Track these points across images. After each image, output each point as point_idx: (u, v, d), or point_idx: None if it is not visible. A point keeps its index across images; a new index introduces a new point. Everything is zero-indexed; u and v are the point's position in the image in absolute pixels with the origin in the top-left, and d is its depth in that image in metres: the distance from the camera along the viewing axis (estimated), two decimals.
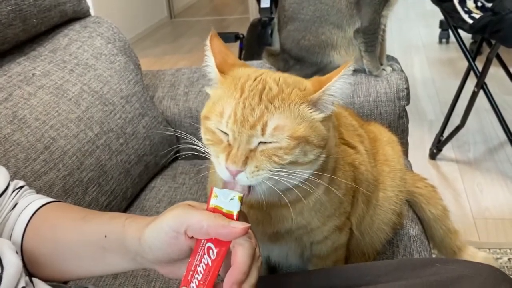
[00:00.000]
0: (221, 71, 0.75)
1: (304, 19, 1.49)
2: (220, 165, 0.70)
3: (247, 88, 0.71)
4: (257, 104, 0.68)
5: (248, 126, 0.68)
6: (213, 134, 0.72)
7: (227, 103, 0.70)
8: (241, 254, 0.61)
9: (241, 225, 0.61)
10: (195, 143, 0.75)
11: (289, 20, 1.53)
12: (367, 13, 1.43)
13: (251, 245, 0.62)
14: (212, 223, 0.61)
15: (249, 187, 0.70)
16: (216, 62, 0.76)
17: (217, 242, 0.63)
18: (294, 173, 0.71)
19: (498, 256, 1.82)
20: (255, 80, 0.72)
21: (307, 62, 1.51)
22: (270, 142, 0.68)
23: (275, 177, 0.70)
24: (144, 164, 1.34)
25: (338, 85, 0.71)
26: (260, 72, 0.75)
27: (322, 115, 0.72)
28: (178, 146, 1.48)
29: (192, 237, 0.63)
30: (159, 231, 0.64)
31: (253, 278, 0.62)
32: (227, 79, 0.74)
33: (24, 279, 0.67)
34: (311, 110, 0.71)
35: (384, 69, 1.48)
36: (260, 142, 0.68)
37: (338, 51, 1.48)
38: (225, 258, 0.63)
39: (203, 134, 0.74)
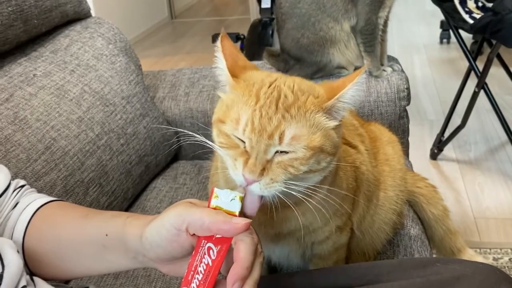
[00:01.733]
0: (233, 74, 0.74)
1: (300, 14, 1.49)
2: (236, 170, 0.69)
3: (263, 96, 0.70)
4: (274, 113, 0.68)
5: (266, 135, 0.67)
6: (228, 138, 0.71)
7: (242, 110, 0.70)
8: (243, 250, 0.61)
9: (242, 221, 0.61)
10: (202, 140, 0.74)
11: (287, 17, 1.52)
12: (362, 13, 1.43)
13: (252, 241, 0.62)
14: (214, 219, 0.62)
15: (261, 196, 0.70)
16: (228, 65, 0.74)
17: (217, 241, 0.63)
18: (305, 180, 0.71)
19: (499, 256, 1.82)
20: (269, 86, 0.71)
21: (306, 62, 1.51)
22: (286, 153, 0.68)
23: (287, 189, 0.70)
24: (145, 164, 1.34)
25: (352, 92, 0.71)
26: (274, 77, 0.74)
27: (335, 122, 0.72)
28: (179, 143, 1.48)
29: (193, 235, 0.63)
30: (160, 228, 0.64)
31: (256, 273, 0.62)
32: (240, 84, 0.73)
33: (25, 278, 0.68)
34: (325, 119, 0.71)
35: (384, 70, 1.48)
36: (277, 153, 0.68)
37: (338, 48, 1.47)
38: (226, 257, 0.63)
39: (216, 137, 0.74)
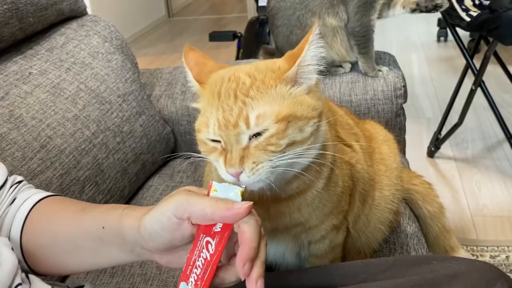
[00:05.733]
0: (201, 81, 0.76)
1: (286, 7, 1.48)
2: (221, 170, 0.70)
3: (223, 91, 0.71)
4: (234, 103, 0.69)
5: (231, 126, 0.68)
6: (206, 144, 0.73)
7: (209, 112, 0.71)
8: (248, 231, 0.61)
9: (244, 205, 0.61)
10: (196, 153, 0.75)
11: (275, 12, 1.52)
12: (353, 14, 1.43)
13: (256, 222, 0.62)
14: (216, 208, 0.61)
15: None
16: (193, 74, 0.77)
17: (215, 235, 0.63)
18: (299, 154, 0.70)
19: (496, 253, 1.82)
20: (229, 80, 0.72)
21: None
22: (260, 134, 0.68)
23: (279, 167, 0.69)
24: (141, 162, 1.34)
25: (311, 53, 0.71)
26: (234, 69, 0.75)
27: (304, 87, 0.72)
28: (176, 154, 1.48)
29: (194, 224, 0.63)
30: (160, 217, 0.63)
31: (262, 254, 0.62)
32: (206, 88, 0.74)
33: (20, 276, 0.67)
34: (290, 87, 0.71)
35: (380, 70, 1.47)
36: (252, 138, 0.68)
37: (326, 42, 1.46)
38: (227, 243, 0.63)
39: (199, 146, 0.75)
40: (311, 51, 0.71)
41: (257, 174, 0.68)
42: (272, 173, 0.69)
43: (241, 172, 0.68)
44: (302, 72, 0.72)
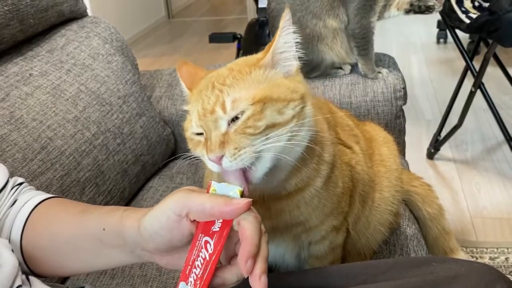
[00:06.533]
0: (192, 89, 0.79)
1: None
2: (206, 160, 0.71)
3: (204, 87, 0.73)
4: (211, 92, 0.71)
5: (208, 113, 0.69)
6: (192, 140, 0.75)
7: (193, 108, 0.74)
8: (249, 227, 0.61)
9: (243, 200, 0.62)
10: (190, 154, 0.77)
11: (275, 14, 1.52)
12: (353, 16, 1.43)
13: (256, 219, 0.62)
14: (215, 203, 0.61)
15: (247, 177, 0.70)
16: (187, 85, 0.81)
17: (214, 234, 0.63)
18: (283, 137, 0.69)
19: (496, 255, 1.82)
20: (211, 77, 0.75)
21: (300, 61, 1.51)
22: (238, 118, 0.68)
23: (263, 152, 0.69)
24: (142, 164, 1.34)
25: (283, 39, 0.73)
26: (219, 69, 0.78)
27: (279, 70, 0.74)
28: (177, 155, 1.48)
29: (193, 221, 0.63)
30: (160, 216, 0.64)
31: (264, 251, 0.62)
32: (194, 91, 0.77)
33: (21, 277, 0.68)
34: (267, 72, 0.73)
35: (379, 72, 1.48)
36: (230, 123, 0.69)
37: (326, 43, 1.47)
38: (227, 244, 0.63)
39: (188, 144, 0.77)
40: (283, 38, 0.73)
41: (239, 159, 0.67)
42: (259, 160, 0.69)
43: (222, 156, 0.67)
44: (278, 59, 0.74)
